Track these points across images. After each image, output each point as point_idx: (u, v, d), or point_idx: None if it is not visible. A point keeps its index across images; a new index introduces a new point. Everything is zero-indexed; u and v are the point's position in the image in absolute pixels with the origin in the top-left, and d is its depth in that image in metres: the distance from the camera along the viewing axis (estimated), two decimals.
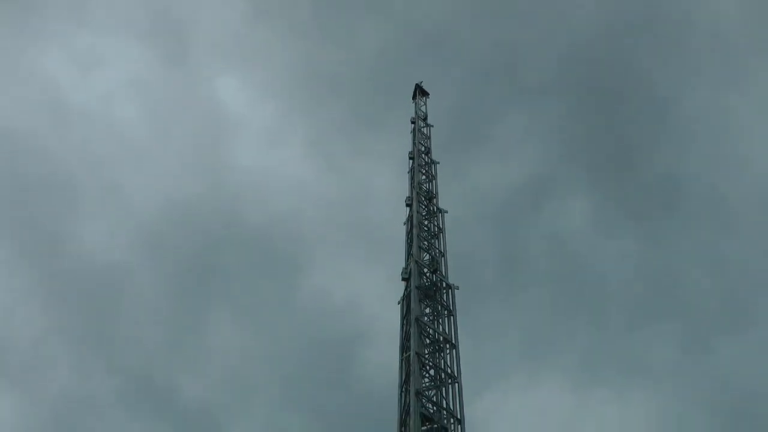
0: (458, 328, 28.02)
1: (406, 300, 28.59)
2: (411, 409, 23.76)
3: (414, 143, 38.53)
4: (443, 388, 25.84)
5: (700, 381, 66.04)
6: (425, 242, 31.39)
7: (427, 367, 26.25)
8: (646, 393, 66.32)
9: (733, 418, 60.68)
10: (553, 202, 77.74)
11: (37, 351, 65.90)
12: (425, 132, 40.03)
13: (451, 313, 28.51)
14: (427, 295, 28.86)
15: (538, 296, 71.92)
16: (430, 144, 39.03)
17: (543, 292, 72.28)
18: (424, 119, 41.20)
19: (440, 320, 28.34)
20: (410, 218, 32.76)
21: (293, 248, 75.24)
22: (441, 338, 27.46)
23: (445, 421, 24.63)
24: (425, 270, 29.77)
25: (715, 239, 72.10)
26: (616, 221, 77.35)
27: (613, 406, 65.61)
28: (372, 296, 66.20)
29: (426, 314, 28.21)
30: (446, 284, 29.62)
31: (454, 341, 27.35)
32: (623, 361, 68.00)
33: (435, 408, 24.92)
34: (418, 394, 24.33)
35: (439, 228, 32.85)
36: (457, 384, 25.99)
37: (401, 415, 24.87)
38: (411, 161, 37.20)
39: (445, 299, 29.07)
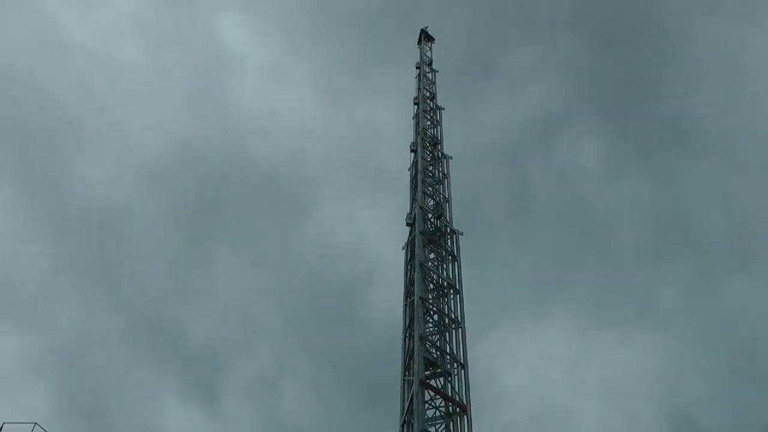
0: (463, 272, 28.07)
1: (410, 245, 28.58)
2: (415, 353, 23.88)
3: (419, 89, 38.21)
4: (447, 333, 25.93)
5: (708, 322, 65.80)
6: (430, 188, 31.29)
7: (431, 312, 26.32)
8: (652, 334, 66.28)
9: (739, 357, 60.66)
10: (563, 141, 76.74)
11: (43, 290, 66.01)
12: (430, 77, 39.66)
13: (455, 259, 28.48)
14: (431, 240, 28.83)
15: (547, 236, 71.47)
16: (435, 89, 38.66)
17: (551, 232, 71.84)
18: (429, 65, 40.80)
19: (444, 265, 28.34)
20: (415, 164, 32.59)
21: (298, 187, 74.87)
22: (445, 283, 27.51)
23: (449, 366, 24.77)
24: (429, 215, 29.72)
25: (726, 178, 71.21)
26: (626, 160, 76.32)
27: (619, 348, 65.68)
28: (377, 236, 66.17)
29: (430, 259, 28.23)
30: (450, 230, 29.56)
31: (457, 286, 27.39)
32: (630, 302, 67.81)
33: (438, 353, 25.04)
34: (422, 338, 24.43)
35: (443, 174, 32.69)
36: (460, 329, 26.10)
37: (405, 360, 25.05)
38: (416, 107, 36.91)
39: (449, 245, 29.04)
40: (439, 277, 27.63)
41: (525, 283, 69.43)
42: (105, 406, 62.63)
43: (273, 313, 70.06)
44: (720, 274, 67.13)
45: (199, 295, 70.31)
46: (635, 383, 63.46)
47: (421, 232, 28.23)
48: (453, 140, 35.46)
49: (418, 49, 42.02)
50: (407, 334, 25.63)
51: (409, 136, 35.01)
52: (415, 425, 21.84)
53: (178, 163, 73.78)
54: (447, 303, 26.92)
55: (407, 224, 29.49)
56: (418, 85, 38.57)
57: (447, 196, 31.49)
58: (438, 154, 33.72)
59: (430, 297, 26.73)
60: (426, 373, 23.96)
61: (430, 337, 25.31)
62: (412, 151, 33.79)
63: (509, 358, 62.62)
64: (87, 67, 77.96)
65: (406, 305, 26.78)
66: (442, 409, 23.93)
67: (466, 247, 29.15)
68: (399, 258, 29.06)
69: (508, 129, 76.38)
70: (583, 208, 72.67)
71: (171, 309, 69.02)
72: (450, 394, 24.05)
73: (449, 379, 24.42)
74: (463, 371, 24.72)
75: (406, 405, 23.30)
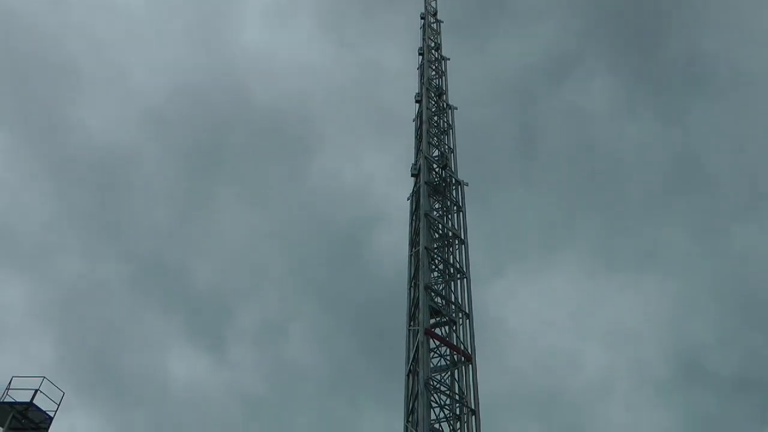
0: (469, 223, 27.98)
1: (415, 195, 28.42)
2: (420, 302, 23.86)
3: (424, 39, 37.74)
4: (452, 283, 25.87)
5: (716, 264, 65.27)
6: (435, 138, 31.01)
7: (436, 261, 26.23)
8: (660, 278, 65.78)
9: (747, 301, 60.25)
10: (572, 80, 75.51)
11: (46, 236, 65.83)
12: (435, 28, 39.16)
13: (461, 209, 28.36)
14: (436, 190, 28.66)
15: (555, 177, 70.76)
16: (440, 40, 38.22)
17: (560, 173, 71.11)
18: (434, 15, 40.26)
19: (450, 216, 28.20)
20: (420, 114, 32.29)
21: (302, 129, 74.07)
22: (450, 233, 27.37)
23: (454, 315, 24.74)
24: (434, 166, 29.49)
25: (737, 118, 69.83)
26: (637, 100, 75.05)
27: (626, 292, 65.33)
28: (383, 177, 65.70)
29: (435, 209, 28.09)
30: (456, 180, 29.38)
31: (462, 237, 27.28)
32: (639, 244, 67.12)
33: (444, 301, 25.00)
34: (427, 288, 24.39)
35: (448, 124, 32.41)
36: (465, 279, 26.05)
37: (410, 309, 25.01)
38: (421, 57, 36.49)
39: (454, 195, 28.88)
40: (444, 227, 27.49)
41: (533, 227, 68.95)
42: (111, 352, 62.90)
43: (278, 257, 69.81)
44: (729, 215, 66.19)
45: (204, 240, 70.04)
46: (642, 327, 63.32)
47: (426, 183, 28.04)
48: (461, 84, 34.95)
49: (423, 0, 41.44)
50: (412, 284, 25.58)
51: (416, 78, 34.62)
52: (421, 373, 21.87)
53: (180, 106, 73.03)
54: (452, 253, 26.82)
55: (412, 175, 29.28)
56: (423, 35, 38.09)
57: (452, 146, 31.23)
58: (443, 105, 33.39)
59: (435, 246, 26.62)
60: (431, 321, 23.94)
61: (435, 287, 25.23)
62: (417, 101, 33.45)
63: (516, 303, 62.61)
64: (86, 9, 76.89)
65: (411, 255, 26.69)
66: (448, 358, 23.94)
67: (472, 197, 29.03)
68: (406, 200, 28.90)
69: (517, 70, 75.22)
70: (592, 149, 71.54)
71: (176, 254, 68.89)
72: (455, 343, 24.05)
73: (454, 328, 24.40)
74: (467, 321, 24.73)
75: (412, 354, 23.34)
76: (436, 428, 21.88)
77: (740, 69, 70.06)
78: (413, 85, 34.36)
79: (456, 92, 34.29)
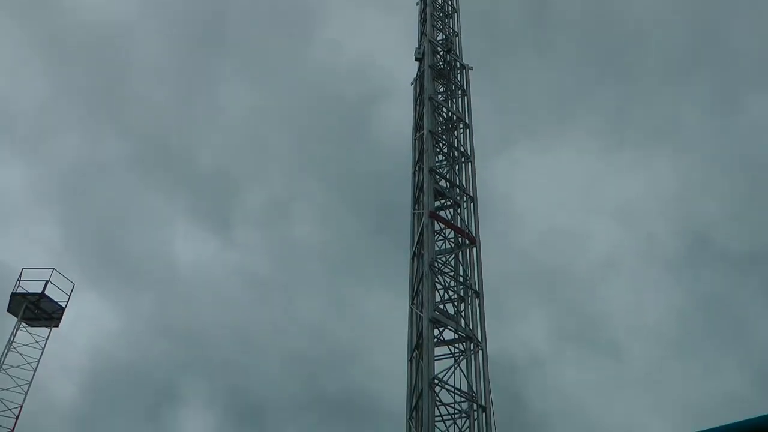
0: (477, 107, 27.58)
1: (419, 80, 28.03)
2: (425, 185, 23.81)
3: None
4: (456, 166, 25.76)
5: (729, 139, 63.81)
6: (439, 21, 30.36)
7: (441, 145, 26.06)
8: (672, 154, 64.72)
9: (759, 176, 59.28)
10: None
11: (44, 116, 64.59)
12: None
13: (465, 93, 27.98)
14: (440, 74, 28.23)
15: (569, 49, 68.56)
16: None
17: (573, 45, 68.73)
18: None
19: (454, 100, 27.87)
20: None
21: (303, 1, 72.27)
22: (454, 117, 27.11)
23: (458, 198, 24.72)
24: (439, 49, 28.97)
25: None
26: None
27: (637, 168, 64.50)
28: (386, 51, 64.24)
29: (440, 92, 27.74)
30: (460, 64, 28.90)
31: (467, 121, 27.02)
32: (652, 119, 65.57)
33: (448, 184, 24.94)
34: (432, 171, 24.30)
35: (453, 8, 31.65)
36: (470, 163, 25.93)
37: (415, 193, 25.01)
38: None
39: (459, 79, 28.47)
40: (448, 110, 27.19)
41: (543, 100, 67.19)
42: (116, 234, 63.10)
43: (282, 134, 68.76)
44: (744, 91, 63.94)
45: (205, 116, 68.81)
46: (652, 204, 62.65)
47: (430, 66, 27.59)
48: None
49: None
50: (417, 168, 25.49)
51: None
52: (425, 256, 21.99)
53: None
54: (457, 137, 26.61)
55: (416, 59, 28.76)
56: None
57: (456, 30, 30.59)
58: None
59: (440, 129, 26.40)
60: (436, 203, 23.94)
61: (439, 170, 25.14)
62: None
63: (523, 181, 62.07)
64: None
65: (415, 140, 26.52)
66: (452, 241, 24.03)
67: (481, 78, 28.51)
68: (411, 73, 28.40)
69: None
70: (608, 18, 69.13)
71: (178, 133, 67.81)
72: (459, 226, 24.10)
73: (459, 211, 24.41)
74: (472, 204, 24.71)
75: (417, 237, 23.45)
76: (440, 309, 22.12)
77: None
78: None
79: None
